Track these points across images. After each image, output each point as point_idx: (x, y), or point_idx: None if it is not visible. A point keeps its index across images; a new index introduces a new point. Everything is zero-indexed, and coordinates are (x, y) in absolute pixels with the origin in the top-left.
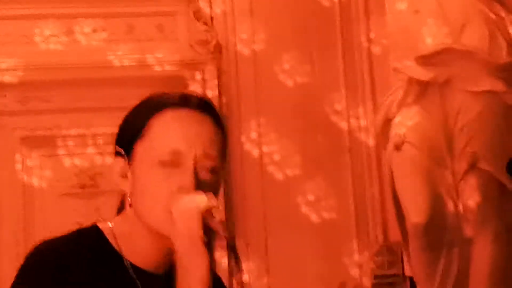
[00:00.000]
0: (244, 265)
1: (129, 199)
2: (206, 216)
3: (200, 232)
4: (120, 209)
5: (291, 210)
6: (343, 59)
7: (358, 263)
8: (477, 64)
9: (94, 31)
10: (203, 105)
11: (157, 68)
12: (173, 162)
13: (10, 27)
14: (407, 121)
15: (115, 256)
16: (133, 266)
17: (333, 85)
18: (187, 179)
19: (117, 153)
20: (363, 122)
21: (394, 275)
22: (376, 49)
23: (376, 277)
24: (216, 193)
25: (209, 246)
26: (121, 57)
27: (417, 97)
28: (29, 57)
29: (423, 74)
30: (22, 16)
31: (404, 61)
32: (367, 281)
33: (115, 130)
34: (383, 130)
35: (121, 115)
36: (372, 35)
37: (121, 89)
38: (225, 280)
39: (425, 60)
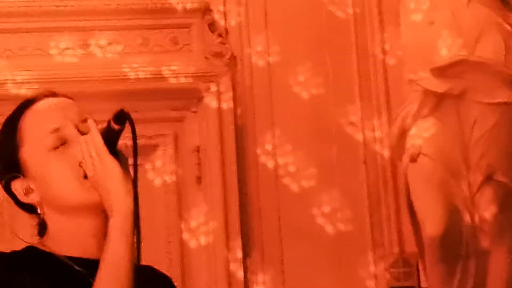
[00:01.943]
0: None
1: (39, 210)
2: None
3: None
4: (41, 233)
5: (306, 222)
6: (358, 71)
7: (374, 275)
8: (493, 76)
9: (109, 43)
10: (54, 94)
11: (172, 81)
12: (59, 140)
13: (25, 40)
14: (423, 133)
15: (51, 257)
16: (74, 258)
17: (348, 97)
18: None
19: (10, 179)
20: (378, 134)
21: (410, 287)
22: (391, 61)
23: None
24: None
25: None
26: (136, 69)
27: (432, 109)
28: (45, 70)
29: (438, 85)
30: (37, 29)
31: (419, 73)
32: None
33: (130, 142)
34: (398, 141)
35: (137, 127)
36: (387, 47)
37: (137, 101)
38: None
39: (440, 71)
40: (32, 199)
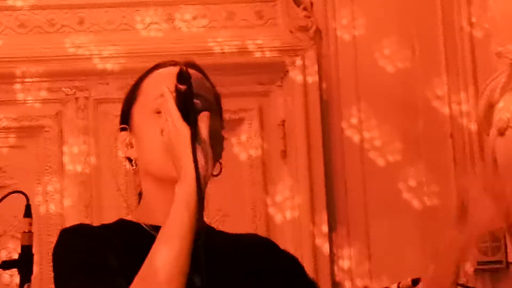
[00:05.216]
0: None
1: (135, 165)
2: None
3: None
4: (139, 199)
5: (392, 196)
6: (444, 44)
7: None
8: None
9: (195, 18)
10: (188, 64)
11: (257, 55)
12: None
13: (111, 15)
14: (511, 106)
15: (137, 227)
16: (158, 227)
17: (434, 70)
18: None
19: (120, 129)
20: (465, 107)
21: (497, 262)
22: (478, 33)
23: (479, 263)
24: (214, 135)
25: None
26: (222, 43)
27: None
28: (131, 45)
29: None
30: (123, 4)
31: (507, 45)
32: (469, 267)
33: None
34: (486, 115)
35: (222, 102)
36: (474, 19)
37: (222, 75)
38: (326, 266)
39: None
40: (130, 154)
